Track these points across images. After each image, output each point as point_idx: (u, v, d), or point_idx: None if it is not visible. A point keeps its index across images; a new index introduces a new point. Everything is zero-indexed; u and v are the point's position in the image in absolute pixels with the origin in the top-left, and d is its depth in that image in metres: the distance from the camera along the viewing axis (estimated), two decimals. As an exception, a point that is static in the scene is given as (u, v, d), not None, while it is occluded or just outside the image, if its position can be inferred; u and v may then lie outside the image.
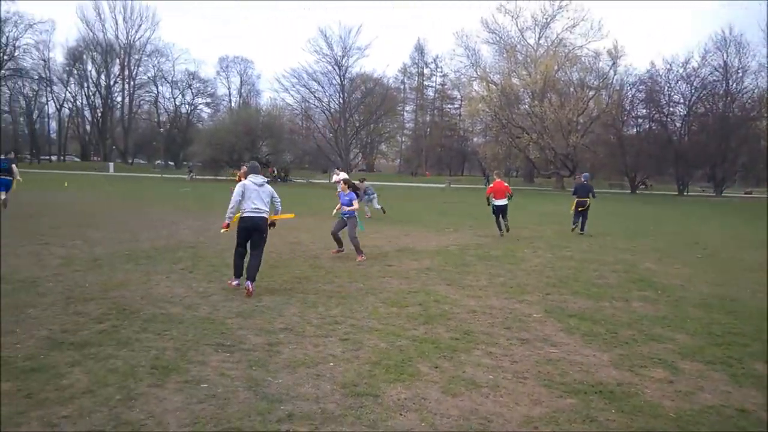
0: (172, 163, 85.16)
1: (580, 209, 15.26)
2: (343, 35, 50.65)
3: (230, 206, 7.09)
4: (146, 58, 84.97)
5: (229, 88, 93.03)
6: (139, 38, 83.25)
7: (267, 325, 5.73)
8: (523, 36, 60.56)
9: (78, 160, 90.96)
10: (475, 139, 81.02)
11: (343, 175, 18.70)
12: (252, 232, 7.15)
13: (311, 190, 39.69)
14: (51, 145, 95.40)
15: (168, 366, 4.46)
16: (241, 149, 51.45)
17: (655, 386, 4.41)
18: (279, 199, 7.58)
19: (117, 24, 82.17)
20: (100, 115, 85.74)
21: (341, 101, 51.23)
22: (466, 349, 5.15)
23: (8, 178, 15.23)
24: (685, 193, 51.93)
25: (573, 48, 57.72)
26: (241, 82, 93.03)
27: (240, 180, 21.24)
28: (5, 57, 69.10)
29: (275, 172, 51.74)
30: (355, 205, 10.13)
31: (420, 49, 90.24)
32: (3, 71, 70.06)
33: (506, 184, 14.78)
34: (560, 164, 55.04)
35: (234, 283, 7.28)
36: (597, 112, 54.06)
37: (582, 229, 15.10)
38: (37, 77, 78.38)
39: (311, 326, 5.74)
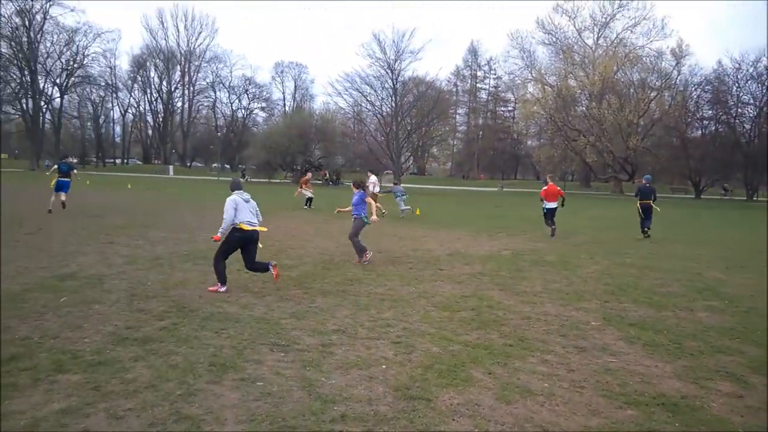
0: (228, 166, 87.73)
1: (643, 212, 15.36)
2: (396, 39, 50.71)
3: (225, 221, 7.23)
4: (205, 65, 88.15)
5: (283, 93, 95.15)
6: (198, 45, 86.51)
7: (320, 326, 5.80)
8: (580, 36, 59.15)
9: (140, 163, 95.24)
10: (528, 142, 79.62)
11: (374, 179, 20.12)
12: (247, 243, 7.43)
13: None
14: (115, 148, 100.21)
15: (225, 363, 4.57)
16: (295, 152, 52.44)
17: (722, 400, 4.19)
18: (259, 211, 7.82)
19: (178, 32, 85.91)
20: (161, 119, 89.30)
21: (393, 105, 51.35)
22: (520, 356, 5.05)
23: (68, 179, 16.60)
24: (755, 199, 49.31)
25: (634, 48, 55.74)
26: (295, 86, 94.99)
27: (302, 187, 22.28)
28: (75, 65, 72.92)
29: (327, 175, 52.39)
30: (372, 204, 10.10)
31: (473, 52, 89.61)
32: (73, 78, 73.98)
33: (559, 188, 15.30)
34: (619, 168, 53.29)
35: (222, 289, 7.24)
36: (659, 114, 51.95)
37: (647, 228, 15.10)
38: (103, 84, 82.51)
39: (363, 328, 5.77)
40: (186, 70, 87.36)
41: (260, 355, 4.83)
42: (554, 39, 59.72)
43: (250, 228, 7.32)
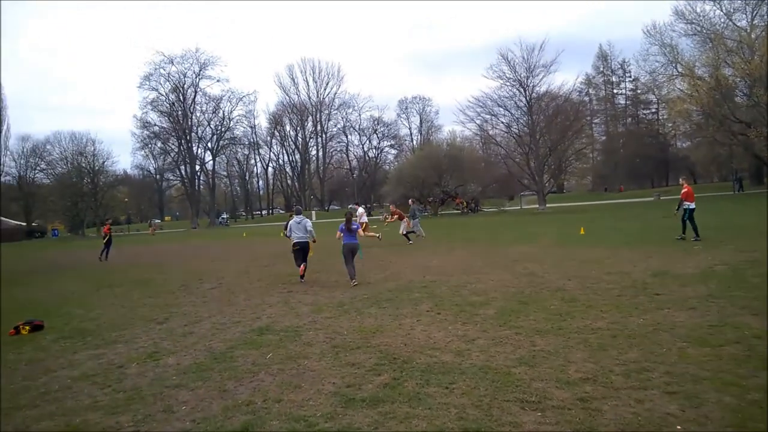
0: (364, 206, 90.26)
1: None
2: (525, 55, 48.77)
3: (287, 234, 12.64)
4: (335, 112, 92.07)
5: (410, 128, 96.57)
6: (327, 95, 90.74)
7: (560, 374, 4.93)
8: (730, 20, 52.98)
9: (283, 212, 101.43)
10: (679, 144, 72.58)
11: (361, 210, 20.25)
12: (301, 251, 12.37)
13: (509, 218, 38.48)
14: (260, 201, 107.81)
15: (480, 429, 3.87)
16: (430, 184, 52.33)
17: None
18: (312, 229, 12.53)
19: (308, 85, 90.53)
20: (299, 169, 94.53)
21: (530, 123, 49.27)
22: None
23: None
24: None
25: (800, 19, 48.71)
26: (420, 120, 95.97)
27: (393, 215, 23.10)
28: (223, 129, 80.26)
29: (464, 203, 51.38)
30: (360, 232, 12.76)
31: (603, 57, 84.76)
32: (222, 141, 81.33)
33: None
34: (807, 158, 46.19)
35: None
36: None
37: None
38: (247, 143, 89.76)
39: (615, 375, 4.80)
40: (318, 119, 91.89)
41: (513, 416, 4.08)
42: (698, 28, 54.14)
43: (299, 242, 12.32)
